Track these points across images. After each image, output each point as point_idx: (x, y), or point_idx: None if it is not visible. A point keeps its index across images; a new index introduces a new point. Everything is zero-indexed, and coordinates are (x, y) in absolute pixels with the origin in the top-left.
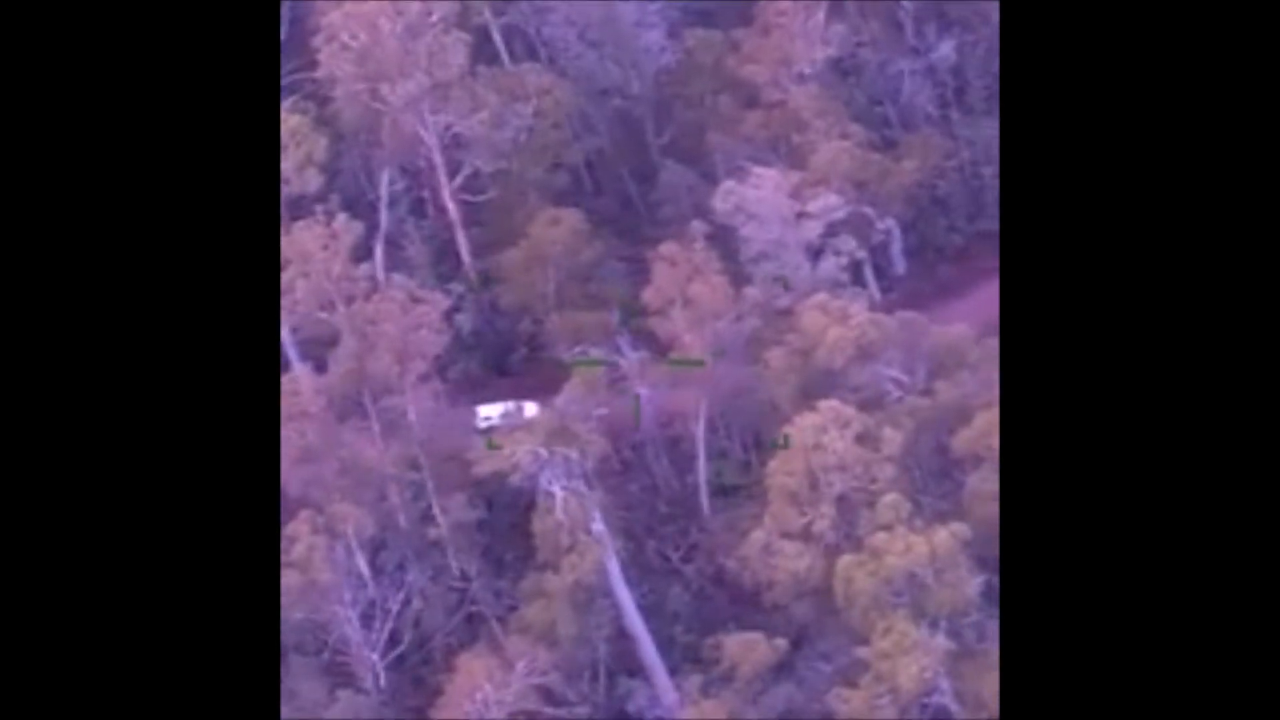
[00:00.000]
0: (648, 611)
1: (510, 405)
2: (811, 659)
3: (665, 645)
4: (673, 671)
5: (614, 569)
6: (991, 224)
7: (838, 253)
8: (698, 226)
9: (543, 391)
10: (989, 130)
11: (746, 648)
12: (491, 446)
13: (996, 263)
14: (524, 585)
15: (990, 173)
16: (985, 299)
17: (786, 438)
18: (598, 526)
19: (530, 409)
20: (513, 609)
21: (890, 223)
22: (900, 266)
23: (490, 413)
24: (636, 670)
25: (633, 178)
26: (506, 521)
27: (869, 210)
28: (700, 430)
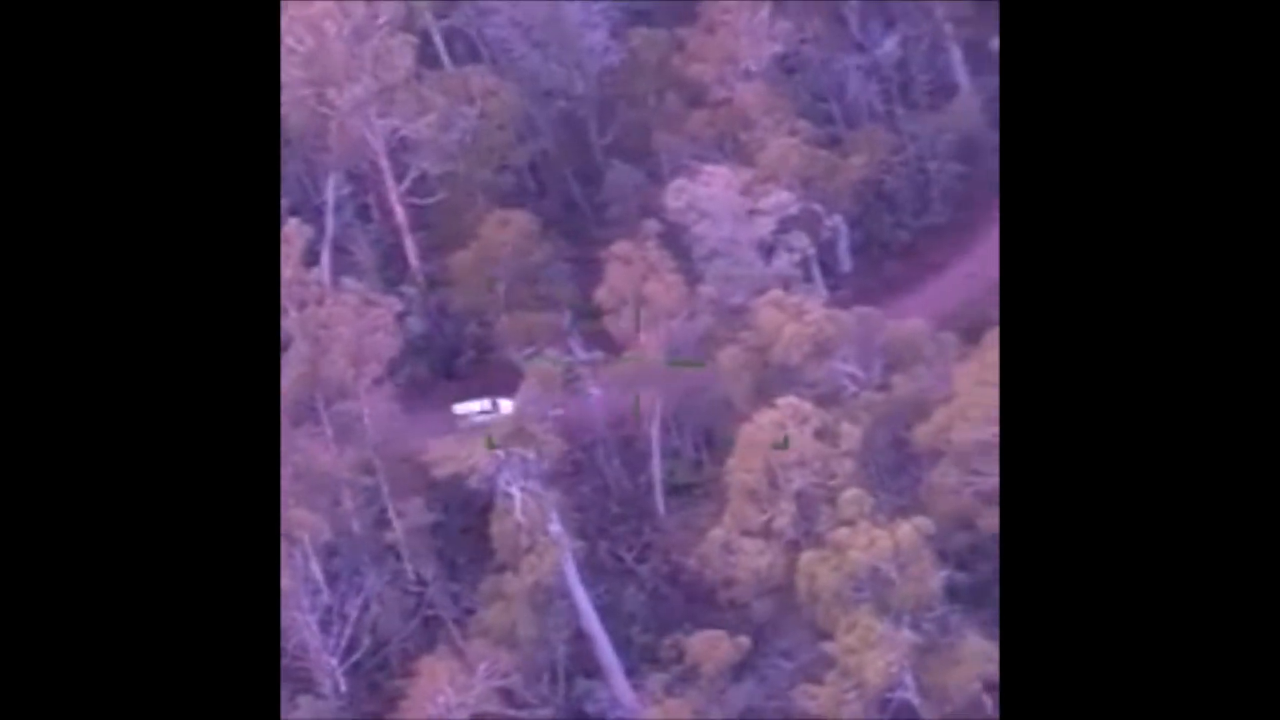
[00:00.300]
0: (604, 612)
1: (487, 402)
2: (772, 656)
3: (622, 646)
4: (630, 672)
5: (571, 570)
6: (937, 219)
7: (790, 249)
8: (651, 225)
9: (490, 395)
10: (933, 125)
11: (709, 646)
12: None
13: (943, 258)
14: (482, 587)
15: (935, 167)
16: (933, 295)
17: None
18: (555, 527)
19: (506, 405)
20: (469, 612)
21: (837, 219)
22: (847, 264)
23: (467, 409)
24: (595, 671)
25: (577, 179)
26: (460, 524)
27: (818, 207)
28: (655, 430)
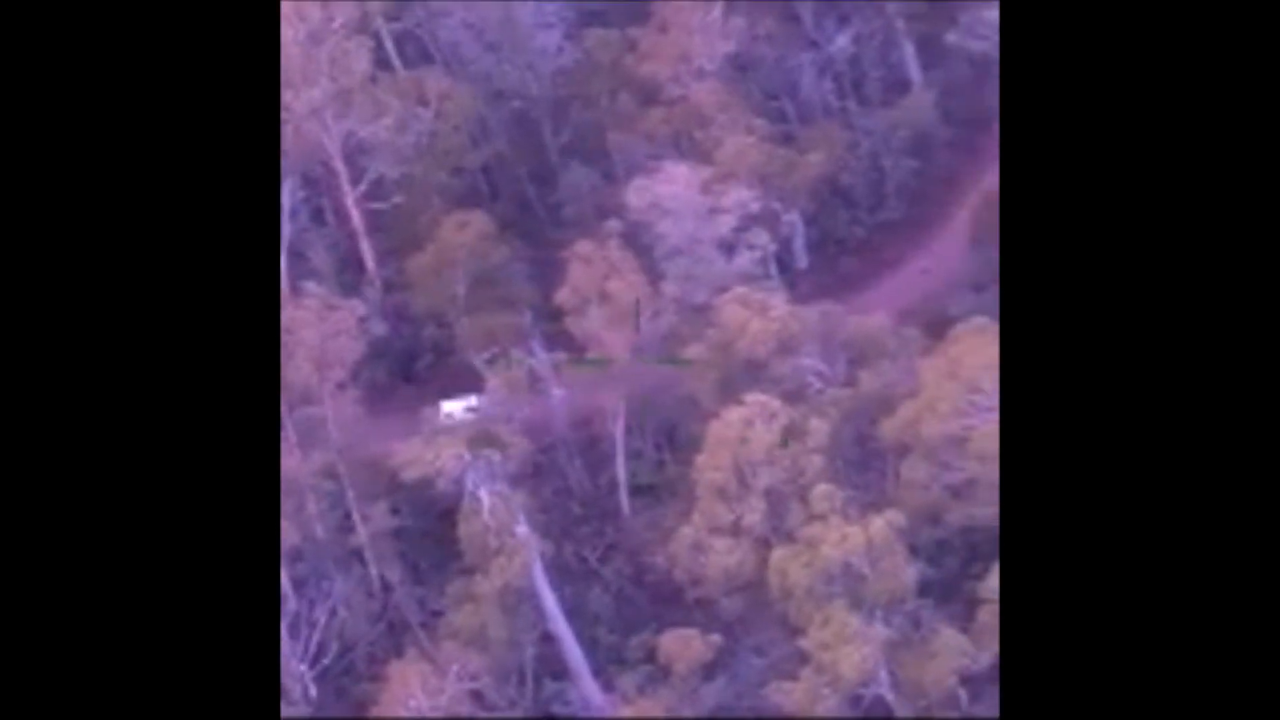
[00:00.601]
0: (569, 614)
1: (473, 399)
2: (744, 654)
3: (589, 647)
4: (598, 673)
5: (538, 572)
6: (892, 215)
7: (751, 247)
8: (612, 224)
9: (448, 397)
10: (887, 121)
11: (682, 644)
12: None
13: (899, 254)
14: (450, 590)
15: (890, 163)
16: (889, 290)
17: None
18: (522, 529)
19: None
20: (435, 615)
21: (794, 216)
22: (803, 260)
23: (453, 408)
24: (563, 673)
25: (531, 180)
26: (423, 528)
27: (776, 204)
28: (620, 430)
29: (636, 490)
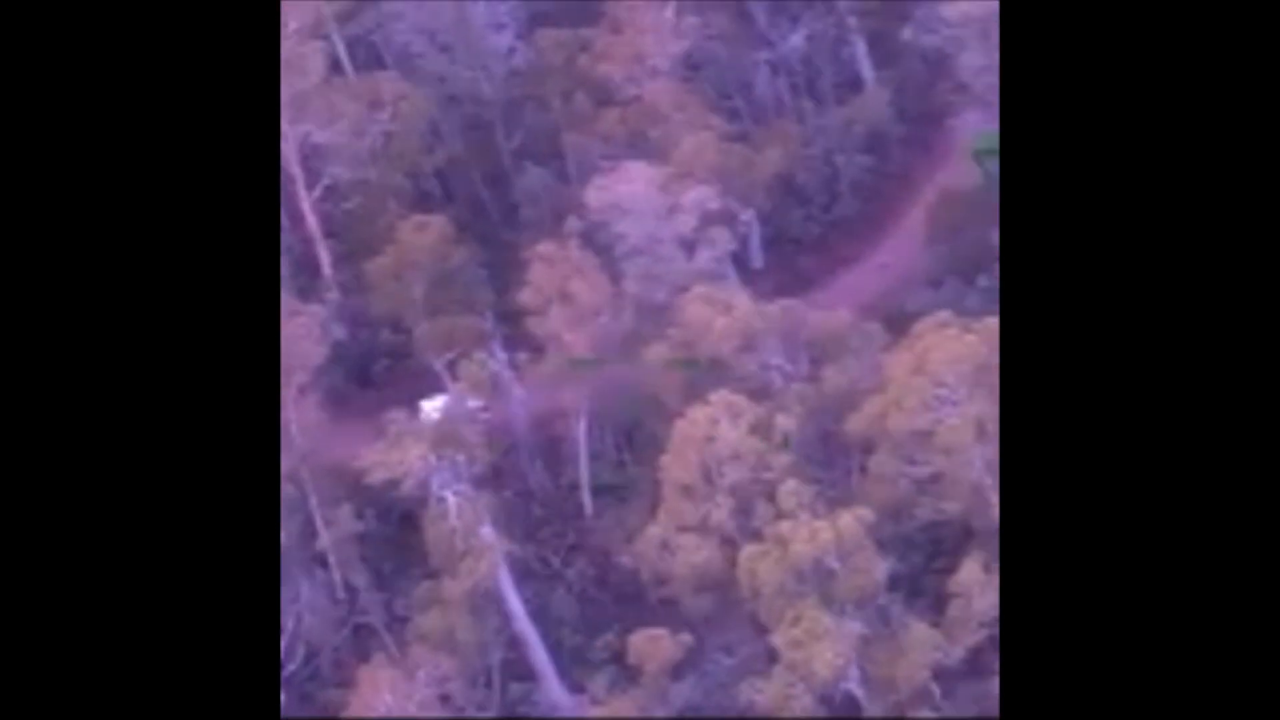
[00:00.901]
0: (534, 616)
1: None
2: (713, 652)
3: (554, 648)
4: (563, 674)
5: (504, 573)
6: (847, 211)
7: (712, 245)
8: (573, 224)
9: (407, 402)
10: (841, 118)
11: (652, 644)
12: None
13: (855, 251)
14: (417, 593)
15: (843, 161)
16: (845, 287)
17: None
18: (487, 530)
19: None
20: (399, 619)
21: (750, 214)
22: (758, 259)
23: (433, 406)
24: (529, 675)
25: (485, 183)
26: (384, 533)
27: (734, 202)
28: (582, 431)
29: (597, 491)
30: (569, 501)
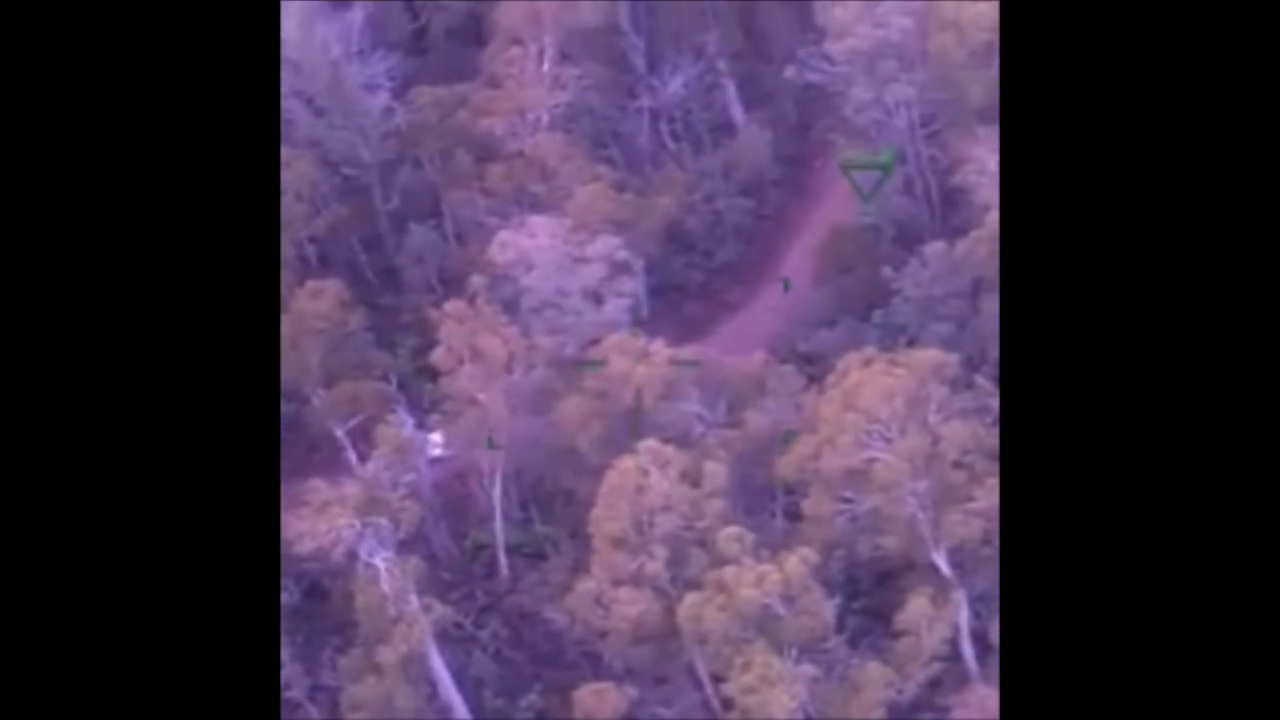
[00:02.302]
0: (454, 680)
1: (437, 436)
2: (651, 705)
3: (477, 711)
4: None
5: (429, 639)
6: (730, 256)
7: (620, 295)
8: (478, 280)
9: (300, 475)
10: (720, 162)
11: (598, 698)
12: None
13: (739, 296)
14: (346, 663)
15: (725, 204)
16: (735, 333)
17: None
18: (413, 596)
19: (435, 438)
20: (320, 689)
21: (638, 264)
22: (644, 308)
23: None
24: None
25: (363, 246)
26: (296, 602)
27: (625, 252)
28: (497, 491)
29: (507, 550)
30: (476, 563)
